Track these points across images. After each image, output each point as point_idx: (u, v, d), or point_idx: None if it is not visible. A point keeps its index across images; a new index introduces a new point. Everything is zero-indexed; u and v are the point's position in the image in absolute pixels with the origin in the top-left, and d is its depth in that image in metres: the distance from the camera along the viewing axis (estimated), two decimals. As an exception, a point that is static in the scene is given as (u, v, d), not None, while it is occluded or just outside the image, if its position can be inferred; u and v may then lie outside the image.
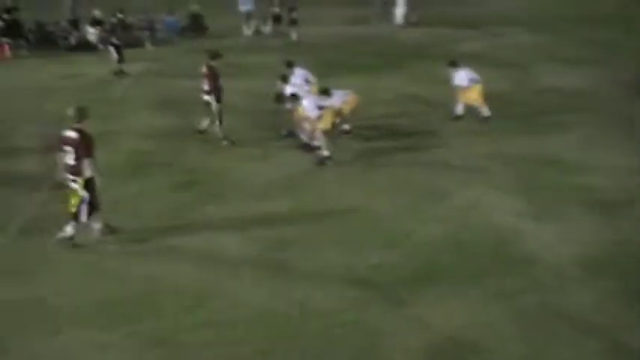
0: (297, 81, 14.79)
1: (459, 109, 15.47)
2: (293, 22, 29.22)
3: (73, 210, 9.42)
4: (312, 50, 25.51)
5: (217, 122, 14.17)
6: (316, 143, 13.12)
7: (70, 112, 9.41)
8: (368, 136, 14.48)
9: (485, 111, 15.24)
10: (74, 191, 9.37)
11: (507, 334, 7.34)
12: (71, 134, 9.30)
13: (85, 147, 9.26)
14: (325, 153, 12.82)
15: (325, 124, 12.99)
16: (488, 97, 15.64)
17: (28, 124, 15.67)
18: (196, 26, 30.35)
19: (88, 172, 9.33)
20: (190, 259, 9.18)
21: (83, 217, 9.48)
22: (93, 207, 9.55)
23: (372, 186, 11.71)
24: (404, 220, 10.31)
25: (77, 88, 20.03)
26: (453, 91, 15.55)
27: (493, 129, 14.76)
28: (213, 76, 13.99)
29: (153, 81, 20.78)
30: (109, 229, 9.92)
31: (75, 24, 28.23)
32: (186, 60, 24.52)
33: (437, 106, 16.79)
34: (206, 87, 14.10)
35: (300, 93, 13.64)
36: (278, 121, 14.69)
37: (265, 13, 30.07)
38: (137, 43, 27.28)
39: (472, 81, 15.16)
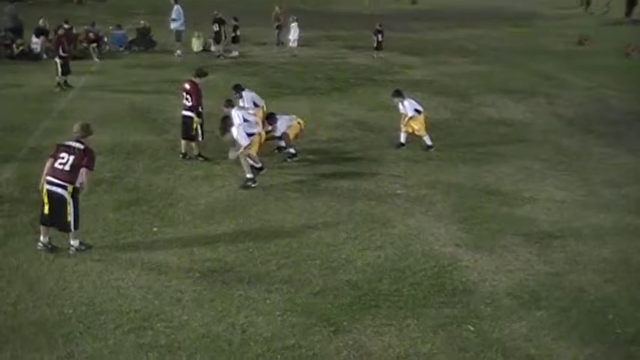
0: (246, 104, 14.88)
1: (402, 138, 15.75)
2: (235, 40, 29.42)
3: (69, 219, 9.63)
4: (258, 71, 25.67)
5: (198, 138, 14.39)
6: (247, 165, 13.13)
7: (76, 128, 9.87)
8: (313, 161, 14.63)
9: (428, 140, 15.56)
10: (65, 201, 9.55)
11: (444, 363, 7.52)
12: (77, 145, 9.68)
13: (89, 159, 9.69)
14: (249, 176, 12.92)
15: (254, 149, 13.15)
16: (431, 126, 15.98)
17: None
18: (144, 41, 30.17)
19: (78, 182, 9.61)
20: (133, 280, 9.13)
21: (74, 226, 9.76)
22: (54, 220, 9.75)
23: (314, 211, 11.82)
24: (345, 246, 10.43)
25: (19, 98, 19.73)
26: (398, 119, 15.82)
27: (435, 158, 15.07)
28: (197, 92, 14.15)
29: (98, 95, 20.57)
30: (50, 247, 9.89)
31: (18, 32, 27.75)
32: (133, 74, 24.44)
33: (382, 132, 17.07)
34: (188, 103, 14.17)
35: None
36: (223, 142, 14.69)
37: (211, 32, 29.94)
38: (83, 55, 27.02)
39: (416, 111, 15.47)
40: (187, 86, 14.24)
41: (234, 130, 13.08)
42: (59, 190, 9.53)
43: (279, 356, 7.53)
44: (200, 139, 14.35)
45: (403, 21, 44.55)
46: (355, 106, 20.06)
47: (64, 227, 9.75)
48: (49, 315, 8.21)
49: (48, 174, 9.60)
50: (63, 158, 9.57)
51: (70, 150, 9.64)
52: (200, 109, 14.23)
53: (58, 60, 21.06)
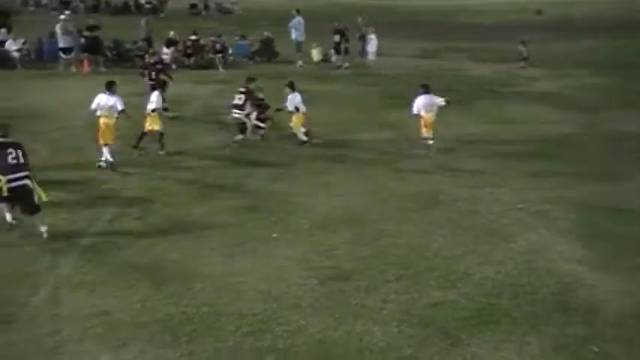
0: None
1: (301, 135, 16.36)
2: (346, 52, 29.65)
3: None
4: (378, 81, 25.72)
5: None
6: None
7: None
8: (431, 172, 14.52)
9: (302, 136, 16.29)
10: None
11: (565, 384, 7.29)
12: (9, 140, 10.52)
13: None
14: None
15: None
16: (555, 140, 15.49)
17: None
18: (267, 51, 30.91)
19: None
20: (253, 284, 9.36)
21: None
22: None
23: (433, 223, 11.72)
24: (463, 259, 10.28)
25: (140, 107, 20.50)
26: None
27: (558, 173, 14.59)
28: (249, 95, 16.18)
29: (222, 102, 21.15)
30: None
31: (149, 42, 29.12)
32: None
33: (503, 146, 16.73)
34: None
35: None
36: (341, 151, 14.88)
37: (331, 43, 30.28)
38: (209, 65, 28.10)
39: (296, 109, 16.28)
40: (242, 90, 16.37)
41: None
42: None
43: (395, 366, 7.53)
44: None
45: (527, 32, 43.49)
46: (477, 118, 19.72)
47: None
48: (174, 313, 8.54)
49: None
50: (11, 154, 10.19)
51: (9, 146, 10.26)
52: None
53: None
